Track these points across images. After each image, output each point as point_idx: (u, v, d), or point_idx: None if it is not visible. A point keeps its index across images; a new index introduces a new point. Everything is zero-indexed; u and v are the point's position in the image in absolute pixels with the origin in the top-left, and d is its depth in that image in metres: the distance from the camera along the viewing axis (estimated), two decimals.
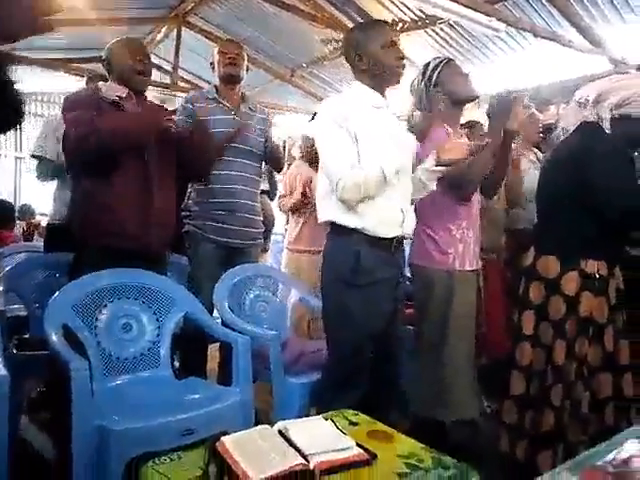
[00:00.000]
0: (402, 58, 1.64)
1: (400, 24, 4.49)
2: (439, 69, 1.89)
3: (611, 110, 1.73)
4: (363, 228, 1.57)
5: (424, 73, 1.92)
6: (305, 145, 3.15)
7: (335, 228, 1.63)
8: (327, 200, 1.63)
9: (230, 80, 2.32)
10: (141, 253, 1.80)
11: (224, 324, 1.93)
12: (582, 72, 3.82)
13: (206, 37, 5.63)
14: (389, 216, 1.61)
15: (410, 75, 2.05)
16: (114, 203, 1.79)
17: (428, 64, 1.93)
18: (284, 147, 3.45)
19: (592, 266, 1.71)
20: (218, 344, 2.21)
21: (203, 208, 2.25)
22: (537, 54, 4.12)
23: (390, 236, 1.61)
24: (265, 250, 3.89)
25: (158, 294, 1.75)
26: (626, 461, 0.60)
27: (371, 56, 1.61)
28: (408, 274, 2.01)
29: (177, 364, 2.33)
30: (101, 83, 1.97)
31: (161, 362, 1.70)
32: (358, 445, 1.09)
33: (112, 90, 1.89)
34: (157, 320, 1.73)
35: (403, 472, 1.06)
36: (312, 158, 3.12)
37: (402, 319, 1.84)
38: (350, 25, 4.62)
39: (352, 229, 1.58)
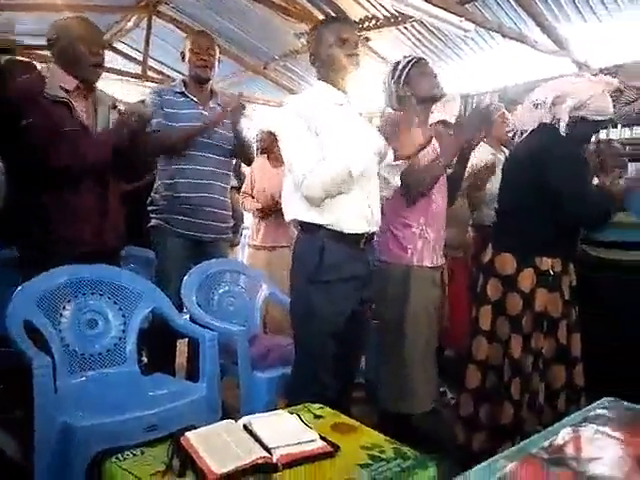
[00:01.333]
0: (353, 55, 1.64)
1: (373, 21, 4.52)
2: (408, 68, 1.92)
3: (569, 112, 1.79)
4: (330, 224, 1.56)
5: (394, 72, 1.95)
6: (263, 139, 3.17)
7: (303, 225, 1.62)
8: (292, 198, 1.62)
9: (200, 80, 2.30)
10: (95, 255, 1.76)
11: (192, 319, 1.93)
12: (547, 73, 3.93)
13: (177, 27, 5.53)
14: (356, 212, 1.60)
15: (382, 72, 2.09)
16: (66, 207, 1.73)
17: (398, 63, 1.96)
18: (257, 140, 3.44)
19: (547, 263, 1.78)
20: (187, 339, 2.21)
21: (170, 202, 2.23)
22: (505, 54, 4.22)
23: (358, 232, 1.61)
24: (235, 245, 3.91)
25: (124, 290, 1.74)
26: (560, 448, 0.64)
27: (322, 53, 1.64)
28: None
29: (146, 359, 2.32)
30: (45, 70, 1.80)
31: (127, 358, 1.69)
32: (322, 438, 1.12)
33: (57, 81, 1.74)
34: (123, 316, 1.72)
35: (365, 463, 1.09)
36: (271, 152, 3.15)
37: (368, 315, 1.87)
38: (320, 18, 4.62)
39: (319, 226, 1.57)
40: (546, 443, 0.65)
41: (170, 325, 1.78)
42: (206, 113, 2.27)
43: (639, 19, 3.47)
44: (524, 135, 1.90)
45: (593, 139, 2.17)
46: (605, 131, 3.88)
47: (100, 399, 1.49)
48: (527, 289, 1.77)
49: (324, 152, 1.53)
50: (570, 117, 1.79)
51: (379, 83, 2.04)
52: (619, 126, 3.86)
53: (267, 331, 2.82)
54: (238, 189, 3.60)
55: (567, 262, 1.83)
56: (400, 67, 1.94)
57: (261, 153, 3.28)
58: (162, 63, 6.50)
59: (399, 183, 1.79)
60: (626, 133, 3.85)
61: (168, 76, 6.18)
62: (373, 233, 1.69)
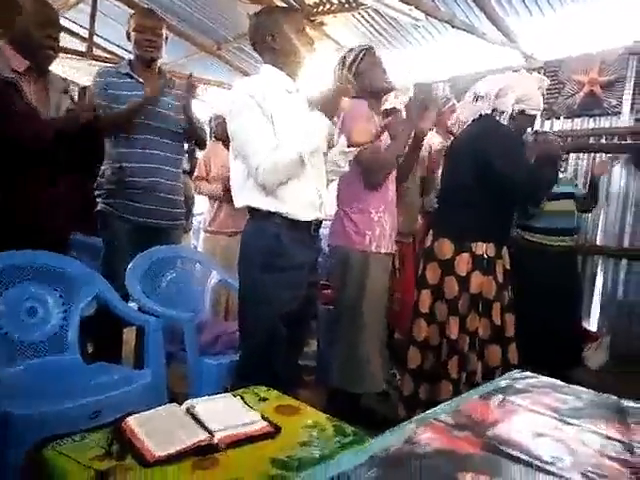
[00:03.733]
0: (313, 44, 1.65)
1: (327, 5, 4.50)
2: (358, 60, 1.94)
3: (512, 105, 1.89)
4: (282, 212, 1.57)
5: (344, 61, 1.96)
6: (218, 124, 3.12)
7: (254, 212, 1.62)
8: (244, 185, 1.60)
9: (146, 61, 2.23)
10: (43, 240, 1.73)
11: (139, 307, 1.91)
12: (496, 64, 4.06)
13: (126, 4, 5.31)
14: (307, 199, 1.61)
15: (335, 57, 2.10)
16: (18, 190, 1.71)
17: (349, 52, 1.98)
18: (212, 125, 3.37)
19: (481, 248, 1.88)
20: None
21: (118, 187, 2.18)
22: (456, 44, 4.31)
23: (309, 219, 1.63)
24: (187, 230, 3.85)
25: (65, 276, 1.70)
26: (465, 414, 0.70)
27: (286, 37, 1.61)
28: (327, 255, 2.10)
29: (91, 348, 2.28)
30: None
31: (69, 346, 1.66)
32: (264, 419, 1.15)
33: (6, 61, 1.71)
34: (64, 304, 1.68)
35: (306, 441, 1.13)
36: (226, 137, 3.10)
37: (317, 300, 1.91)
38: (275, 1, 4.55)
39: (271, 213, 1.57)
40: (453, 410, 0.71)
41: (114, 312, 1.76)
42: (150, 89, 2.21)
43: (580, 15, 3.62)
44: (465, 125, 1.98)
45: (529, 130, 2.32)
46: (549, 122, 4.07)
47: (41, 387, 1.46)
48: (463, 273, 1.87)
49: (277, 138, 1.52)
50: (513, 109, 1.90)
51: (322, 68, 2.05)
52: (561, 118, 4.03)
53: (228, 318, 2.81)
54: (189, 173, 3.53)
55: (500, 247, 1.93)
56: (350, 59, 1.96)
57: (216, 139, 3.22)
58: (108, 41, 6.23)
59: (348, 168, 1.82)
60: (567, 125, 4.02)
61: (115, 54, 5.94)
62: (322, 220, 1.71)
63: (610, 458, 0.67)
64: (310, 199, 1.63)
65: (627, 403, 0.85)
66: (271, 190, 1.55)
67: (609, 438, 0.72)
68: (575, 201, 2.96)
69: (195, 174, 3.17)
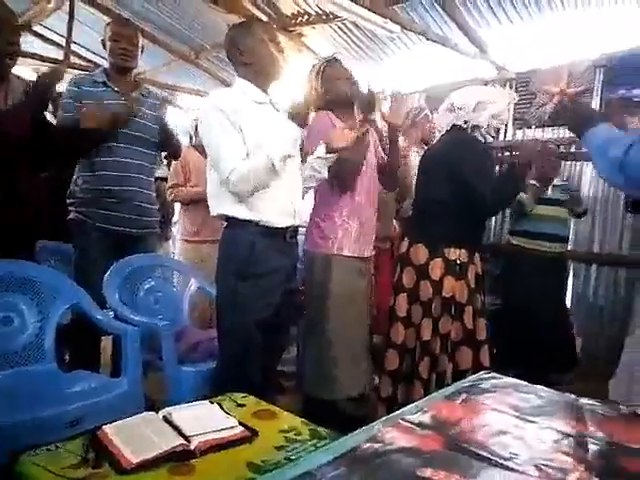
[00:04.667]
0: (282, 51, 1.70)
1: (305, 16, 4.56)
2: (320, 73, 1.99)
3: (488, 119, 1.96)
4: (256, 219, 1.61)
5: (311, 73, 2.01)
6: (195, 131, 3.09)
7: (229, 220, 1.66)
8: (218, 194, 1.65)
9: (121, 69, 2.25)
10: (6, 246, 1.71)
11: (116, 315, 1.90)
12: (469, 76, 4.16)
13: (102, 12, 5.28)
14: (280, 206, 1.66)
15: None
16: None
17: (313, 67, 2.02)
18: (191, 131, 3.36)
19: (454, 253, 1.94)
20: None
21: (92, 195, 2.17)
22: (430, 56, 4.40)
23: (283, 226, 1.67)
24: (167, 238, 3.83)
25: (40, 285, 1.69)
26: (430, 413, 0.74)
27: (252, 50, 1.67)
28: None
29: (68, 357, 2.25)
30: None
31: (45, 355, 1.65)
32: (241, 424, 1.16)
33: None
34: (40, 312, 1.68)
35: (282, 445, 1.15)
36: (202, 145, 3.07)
37: (295, 307, 1.92)
38: (252, 10, 4.59)
39: (246, 220, 1.61)
40: (418, 410, 0.74)
41: (91, 321, 1.75)
42: (129, 104, 2.22)
43: (549, 28, 3.74)
44: (439, 135, 2.04)
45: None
46: (520, 132, 4.18)
47: (17, 397, 1.45)
48: (437, 277, 1.93)
49: (247, 149, 1.57)
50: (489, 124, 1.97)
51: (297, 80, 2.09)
52: (532, 127, 4.15)
53: (213, 326, 2.78)
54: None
55: (473, 253, 2.00)
56: (315, 71, 2.01)
57: (194, 147, 3.20)
58: (87, 49, 6.18)
59: (327, 175, 1.86)
60: (538, 134, 4.13)
61: (91, 62, 5.89)
62: (297, 226, 1.76)
63: (564, 453, 0.70)
64: (284, 206, 1.68)
65: (583, 400, 0.90)
66: (244, 198, 1.59)
67: (564, 434, 0.76)
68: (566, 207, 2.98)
69: (170, 182, 3.06)
